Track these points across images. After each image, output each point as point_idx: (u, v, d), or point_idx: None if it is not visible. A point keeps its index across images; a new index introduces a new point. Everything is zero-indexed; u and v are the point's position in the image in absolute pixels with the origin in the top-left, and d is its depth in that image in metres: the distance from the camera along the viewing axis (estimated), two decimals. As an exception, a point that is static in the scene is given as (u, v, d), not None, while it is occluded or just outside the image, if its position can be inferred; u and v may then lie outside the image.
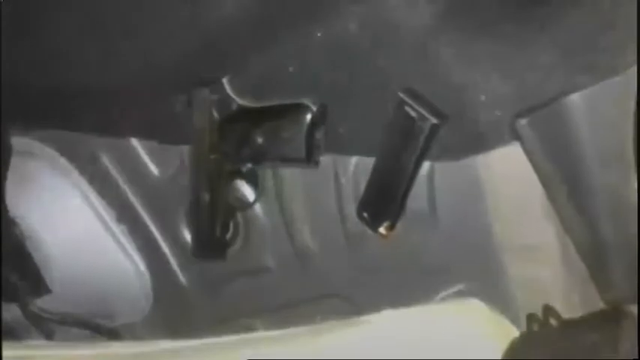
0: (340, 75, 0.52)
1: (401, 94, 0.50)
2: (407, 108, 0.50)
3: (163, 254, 0.70)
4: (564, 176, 0.46)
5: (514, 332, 0.44)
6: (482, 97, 0.48)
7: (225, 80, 0.56)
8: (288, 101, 0.54)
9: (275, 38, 0.52)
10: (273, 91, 0.55)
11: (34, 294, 0.74)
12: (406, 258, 0.57)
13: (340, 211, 0.59)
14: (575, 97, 0.45)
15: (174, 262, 0.70)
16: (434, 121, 0.49)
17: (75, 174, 0.71)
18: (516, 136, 0.47)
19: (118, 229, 0.72)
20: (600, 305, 0.48)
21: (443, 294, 0.56)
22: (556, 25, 0.45)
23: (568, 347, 0.40)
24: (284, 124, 0.55)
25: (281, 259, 0.64)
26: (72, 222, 0.73)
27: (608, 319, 0.43)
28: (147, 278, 0.71)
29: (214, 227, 0.62)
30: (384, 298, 0.58)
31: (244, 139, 0.57)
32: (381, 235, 0.54)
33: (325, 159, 0.56)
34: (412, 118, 0.50)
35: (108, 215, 0.71)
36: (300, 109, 0.54)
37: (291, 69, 0.53)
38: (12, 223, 0.74)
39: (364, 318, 0.45)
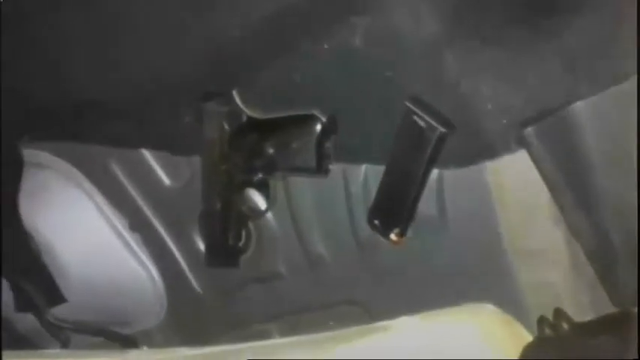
0: (348, 85, 0.53)
1: (409, 104, 0.50)
2: (415, 117, 0.50)
3: (177, 262, 0.71)
4: (571, 183, 0.47)
5: (528, 336, 0.44)
6: (489, 106, 0.49)
7: (234, 92, 0.57)
8: (297, 112, 0.55)
9: (283, 51, 0.53)
10: (282, 103, 0.56)
11: (49, 303, 0.76)
12: (417, 263, 0.58)
13: (351, 218, 0.60)
14: (580, 105, 0.46)
15: (187, 270, 0.71)
16: (442, 129, 0.50)
17: (87, 184, 0.73)
18: (523, 144, 0.48)
19: (132, 238, 0.73)
20: (610, 307, 0.48)
21: (452, 297, 0.57)
22: (561, 35, 0.46)
23: (580, 350, 0.41)
24: (294, 135, 0.56)
25: (293, 265, 0.65)
26: (85, 231, 0.74)
27: (620, 321, 0.44)
28: (161, 286, 0.73)
29: (227, 236, 0.63)
30: (396, 303, 0.58)
31: (255, 149, 0.58)
32: (392, 241, 0.54)
33: (335, 168, 0.57)
34: (420, 127, 0.50)
35: (121, 224, 0.73)
36: (310, 119, 0.55)
37: (299, 80, 0.54)
38: (26, 234, 0.76)
39: (381, 324, 0.46)
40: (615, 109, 0.45)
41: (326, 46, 0.51)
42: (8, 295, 0.77)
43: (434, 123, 0.50)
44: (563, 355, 0.42)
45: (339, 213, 0.60)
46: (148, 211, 0.70)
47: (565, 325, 0.46)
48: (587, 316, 0.50)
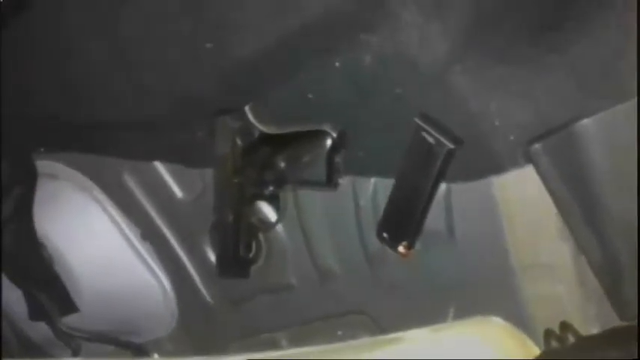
0: (358, 102, 0.54)
1: (417, 121, 0.51)
2: (424, 134, 0.51)
3: (188, 272, 0.72)
4: (578, 200, 0.48)
5: (535, 349, 0.45)
6: (497, 122, 0.49)
7: (247, 108, 0.58)
8: (308, 127, 0.56)
9: (295, 69, 0.54)
10: (294, 118, 0.57)
11: (61, 312, 0.77)
12: (425, 276, 0.58)
13: (360, 231, 0.60)
14: (588, 122, 0.46)
15: (198, 280, 0.72)
16: (450, 146, 0.50)
17: (101, 195, 0.74)
18: (531, 160, 0.49)
19: (144, 248, 0.74)
20: (617, 320, 0.49)
21: (459, 310, 0.57)
22: (570, 52, 0.47)
23: (587, 364, 0.42)
24: (305, 149, 0.57)
25: (302, 276, 0.65)
26: (98, 241, 0.75)
27: (626, 335, 0.44)
28: (172, 296, 0.74)
29: (238, 247, 0.64)
30: (404, 315, 0.59)
31: (267, 164, 0.59)
32: (400, 253, 0.55)
33: (344, 181, 0.58)
34: (429, 143, 0.51)
35: (133, 234, 0.74)
36: (320, 134, 0.56)
37: (310, 96, 0.55)
38: (39, 243, 0.77)
39: (390, 336, 0.47)
40: (623, 125, 0.46)
41: (337, 64, 0.52)
42: (22, 304, 0.78)
43: (442, 139, 0.50)
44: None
45: (348, 226, 0.61)
46: (160, 222, 0.71)
47: (571, 338, 0.47)
48: (593, 330, 0.51)
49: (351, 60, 0.51)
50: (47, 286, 0.77)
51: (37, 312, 0.78)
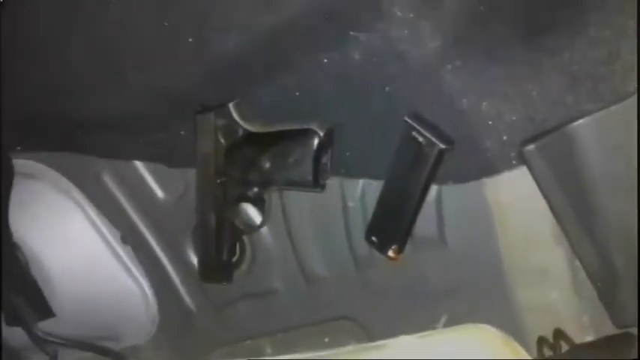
0: (347, 100, 0.52)
1: (408, 120, 0.50)
2: (414, 133, 0.50)
3: (169, 277, 0.70)
4: (573, 203, 0.47)
5: (527, 357, 0.44)
6: (490, 122, 0.48)
7: (231, 105, 0.56)
8: (294, 126, 0.55)
9: (281, 64, 0.52)
10: (279, 116, 0.55)
11: (37, 317, 0.74)
12: (414, 280, 0.57)
13: (348, 234, 0.59)
14: (582, 123, 0.45)
15: (180, 285, 0.70)
16: (441, 146, 0.49)
17: (78, 195, 0.71)
18: (524, 162, 0.48)
19: (123, 251, 0.72)
20: (611, 327, 0.48)
21: (450, 316, 0.56)
22: (563, 53, 0.46)
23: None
24: (291, 149, 0.55)
25: (288, 281, 0.64)
26: (76, 244, 0.73)
27: (620, 343, 0.43)
28: (153, 301, 0.72)
29: (221, 250, 0.62)
30: (392, 321, 0.58)
31: (251, 163, 0.57)
32: (389, 258, 0.54)
33: (332, 182, 0.57)
34: (419, 143, 0.50)
35: (112, 236, 0.71)
36: (307, 133, 0.54)
37: (297, 94, 0.53)
38: (15, 245, 0.74)
39: (378, 343, 0.45)
40: (618, 127, 0.45)
41: (325, 60, 0.50)
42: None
43: (433, 139, 0.49)
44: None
45: (335, 228, 0.59)
46: (141, 224, 0.69)
47: (565, 347, 0.46)
48: (587, 338, 0.50)
49: (340, 57, 0.50)
50: (23, 290, 0.74)
51: (12, 317, 0.75)
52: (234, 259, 0.64)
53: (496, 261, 0.52)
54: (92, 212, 0.71)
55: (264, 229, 0.62)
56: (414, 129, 0.50)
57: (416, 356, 0.42)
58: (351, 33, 0.48)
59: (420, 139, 0.50)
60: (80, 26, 0.56)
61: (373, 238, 0.55)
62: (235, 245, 0.63)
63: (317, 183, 0.55)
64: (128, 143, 0.65)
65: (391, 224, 0.53)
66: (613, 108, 0.45)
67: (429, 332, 0.46)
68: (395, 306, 0.58)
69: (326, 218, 0.59)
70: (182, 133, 0.60)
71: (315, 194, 0.57)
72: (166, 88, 0.57)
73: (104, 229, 0.71)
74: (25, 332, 0.76)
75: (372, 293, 0.60)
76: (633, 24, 0.45)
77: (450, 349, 0.44)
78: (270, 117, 0.56)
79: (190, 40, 0.52)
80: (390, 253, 0.53)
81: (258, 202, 0.60)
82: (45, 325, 0.74)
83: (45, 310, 0.74)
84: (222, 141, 0.58)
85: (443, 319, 0.55)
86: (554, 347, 0.47)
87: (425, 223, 0.53)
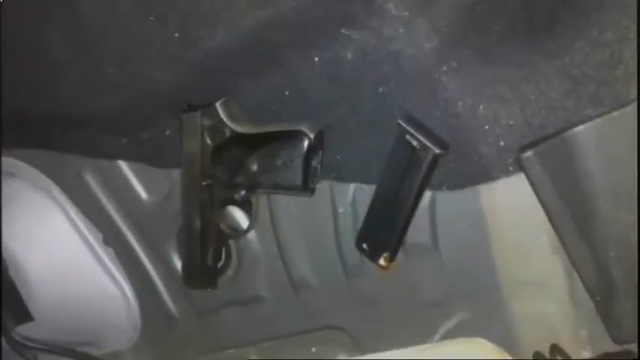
0: (338, 100, 0.51)
1: (401, 123, 0.48)
2: (408, 137, 0.48)
3: (152, 281, 0.67)
4: (572, 211, 0.45)
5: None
6: (486, 127, 0.47)
7: (218, 104, 0.54)
8: (284, 127, 0.53)
9: (271, 63, 0.50)
10: (268, 117, 0.53)
11: (16, 322, 0.72)
12: (406, 290, 0.55)
13: (338, 240, 0.57)
14: (582, 130, 0.44)
15: (163, 290, 0.67)
16: (436, 150, 0.47)
17: (59, 195, 0.69)
18: (522, 168, 0.46)
19: (105, 253, 0.69)
20: (610, 342, 0.46)
21: (443, 328, 0.54)
22: (563, 57, 0.44)
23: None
24: (280, 151, 0.53)
25: (275, 289, 0.62)
26: (56, 246, 0.70)
27: (618, 360, 0.42)
28: (135, 306, 0.69)
29: (206, 255, 0.60)
30: (382, 331, 0.56)
31: (238, 165, 0.55)
32: (380, 266, 0.52)
33: (322, 187, 0.55)
34: (413, 147, 0.48)
35: (94, 238, 0.69)
36: (297, 135, 0.52)
37: (287, 93, 0.52)
38: (-8, 246, 0.72)
39: (371, 357, 0.43)
40: (619, 134, 0.43)
41: (316, 59, 0.49)
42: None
43: (427, 143, 0.48)
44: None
45: (325, 234, 0.57)
46: (123, 226, 0.67)
47: (562, 362, 0.44)
48: (585, 353, 0.48)
49: (331, 55, 0.48)
50: (0, 292, 0.72)
51: (-12, 320, 0.73)
52: (220, 264, 0.61)
53: (491, 271, 0.50)
54: (73, 212, 0.68)
55: (251, 234, 0.60)
56: (408, 132, 0.48)
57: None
58: (344, 31, 0.47)
59: (414, 143, 0.48)
60: (61, 18, 0.54)
61: (364, 246, 0.53)
62: (221, 250, 0.61)
63: (306, 187, 0.53)
64: (111, 142, 0.62)
65: (383, 231, 0.51)
66: (614, 114, 0.43)
67: (425, 346, 0.45)
68: (385, 316, 0.57)
69: (315, 224, 0.57)
70: (167, 132, 0.58)
71: (305, 199, 0.55)
72: (150, 85, 0.54)
73: (85, 230, 0.68)
74: (3, 337, 0.74)
75: (362, 302, 0.58)
76: (635, 27, 0.44)
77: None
78: (258, 117, 0.54)
79: (176, 35, 0.50)
80: (381, 262, 0.52)
81: (245, 206, 0.58)
82: (23, 330, 0.72)
83: (23, 314, 0.71)
84: (209, 141, 0.56)
85: (439, 333, 0.53)
86: (550, 363, 0.46)
87: (418, 230, 0.52)
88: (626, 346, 0.45)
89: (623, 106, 0.43)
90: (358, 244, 0.53)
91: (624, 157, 0.43)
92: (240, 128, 0.54)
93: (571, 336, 0.49)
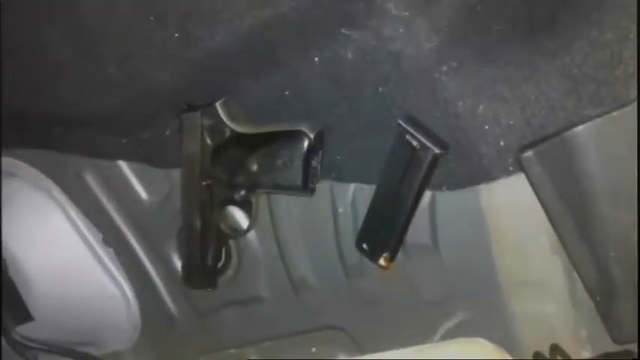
0: (338, 100, 0.51)
1: (401, 123, 0.48)
2: (408, 137, 0.48)
3: (152, 281, 0.67)
4: (572, 211, 0.45)
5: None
6: (486, 127, 0.47)
7: (218, 104, 0.54)
8: (284, 127, 0.53)
9: (270, 63, 0.50)
10: (268, 117, 0.53)
11: (16, 322, 0.72)
12: (406, 290, 0.55)
13: (338, 240, 0.57)
14: (582, 130, 0.43)
15: (163, 290, 0.67)
16: (435, 151, 0.47)
17: (59, 195, 0.69)
18: (522, 168, 0.46)
19: (105, 253, 0.69)
20: (610, 342, 0.46)
21: (443, 328, 0.54)
22: (563, 56, 0.44)
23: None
24: (280, 151, 0.53)
25: (275, 289, 0.61)
26: (56, 246, 0.70)
27: (619, 361, 0.42)
28: (135, 305, 0.69)
29: (205, 255, 0.60)
30: (382, 331, 0.56)
31: (238, 165, 0.55)
32: (380, 266, 0.52)
33: (322, 187, 0.54)
34: (413, 147, 0.48)
35: (94, 238, 0.69)
36: (297, 135, 0.52)
37: (287, 94, 0.51)
38: (-7, 247, 0.72)
39: (372, 357, 0.43)
40: (620, 134, 0.43)
41: (316, 59, 0.49)
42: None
43: (427, 143, 0.47)
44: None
45: (325, 234, 0.57)
46: (123, 226, 0.67)
47: (562, 362, 0.44)
48: (585, 353, 0.48)
49: (331, 55, 0.48)
50: (0, 292, 0.72)
51: (-12, 321, 0.73)
52: (220, 264, 0.61)
53: (491, 271, 0.50)
54: (73, 212, 0.68)
55: (251, 234, 0.60)
56: (408, 132, 0.48)
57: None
58: (344, 31, 0.46)
59: (414, 143, 0.48)
60: (60, 17, 0.54)
61: (364, 246, 0.53)
62: (221, 250, 0.61)
63: (306, 187, 0.53)
64: (111, 142, 0.62)
65: (383, 231, 0.51)
66: (614, 114, 0.43)
67: (425, 346, 0.45)
68: (385, 316, 0.56)
69: (315, 224, 0.57)
70: (167, 132, 0.58)
71: (305, 199, 0.55)
72: (150, 85, 0.54)
73: (85, 230, 0.68)
74: (3, 337, 0.74)
75: (362, 302, 0.58)
76: (635, 27, 0.44)
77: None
78: (258, 117, 0.54)
79: (176, 35, 0.50)
80: (381, 262, 0.52)
81: (245, 206, 0.58)
82: (23, 330, 0.72)
83: (23, 314, 0.71)
84: (209, 141, 0.56)
85: (439, 333, 0.53)
86: (550, 363, 0.45)
87: (418, 230, 0.51)
88: (626, 346, 0.45)
89: (623, 106, 0.43)
90: (358, 244, 0.53)
91: (624, 157, 0.43)
92: (240, 128, 0.54)
93: (571, 336, 0.49)
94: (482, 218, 0.50)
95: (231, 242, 0.61)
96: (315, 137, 0.52)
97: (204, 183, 0.57)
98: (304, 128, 0.52)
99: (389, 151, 0.49)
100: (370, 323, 0.58)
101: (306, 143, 0.52)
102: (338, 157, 0.53)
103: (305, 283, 0.60)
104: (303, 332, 0.61)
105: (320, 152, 0.53)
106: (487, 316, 0.51)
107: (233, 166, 0.56)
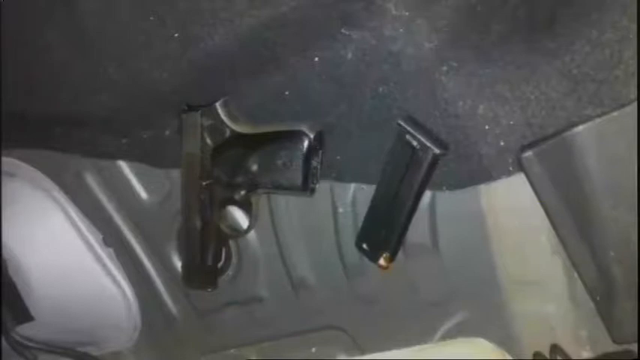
0: (338, 100, 0.51)
1: (401, 123, 0.48)
2: (407, 137, 0.48)
3: (152, 281, 0.67)
4: (572, 211, 0.45)
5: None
6: (486, 127, 0.47)
7: (218, 104, 0.54)
8: (284, 128, 0.53)
9: (270, 64, 0.50)
10: (268, 117, 0.53)
11: (16, 321, 0.72)
12: (406, 290, 0.55)
13: (338, 240, 0.57)
14: (582, 130, 0.43)
15: (163, 290, 0.67)
16: (435, 151, 0.47)
17: (59, 195, 0.69)
18: (522, 168, 0.46)
19: (105, 254, 0.69)
20: (610, 343, 0.46)
21: (443, 328, 0.54)
22: (563, 57, 0.44)
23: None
24: (280, 151, 0.53)
25: (275, 289, 0.61)
26: (56, 246, 0.70)
27: (619, 361, 0.42)
28: (135, 305, 0.69)
29: (205, 255, 0.60)
30: (382, 331, 0.56)
31: (238, 165, 0.55)
32: (380, 266, 0.52)
33: (322, 187, 0.54)
34: (413, 147, 0.48)
35: (94, 238, 0.69)
36: (297, 135, 0.52)
37: (287, 94, 0.51)
38: (-7, 247, 0.72)
39: (371, 357, 0.43)
40: (620, 134, 0.43)
41: (316, 59, 0.49)
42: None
43: (427, 143, 0.48)
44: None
45: (325, 234, 0.57)
46: (123, 226, 0.67)
47: (562, 362, 0.44)
48: (585, 352, 0.48)
49: (331, 55, 0.48)
50: (0, 292, 0.72)
51: (-11, 321, 0.73)
52: (220, 264, 0.61)
53: (491, 271, 0.50)
54: (73, 213, 0.68)
55: (251, 234, 0.60)
56: (408, 132, 0.48)
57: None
58: (344, 31, 0.46)
59: (414, 143, 0.48)
60: (59, 17, 0.54)
61: (364, 246, 0.53)
62: (221, 250, 0.61)
63: (306, 187, 0.53)
64: (111, 142, 0.62)
65: (383, 231, 0.51)
66: (614, 114, 0.43)
67: (424, 347, 0.45)
68: (386, 316, 0.56)
69: (315, 224, 0.57)
70: (167, 132, 0.58)
71: (305, 199, 0.55)
72: (150, 85, 0.54)
73: (85, 231, 0.68)
74: (3, 336, 0.74)
75: (362, 302, 0.58)
76: (635, 27, 0.44)
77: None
78: (258, 117, 0.54)
79: (176, 35, 0.50)
80: (381, 262, 0.52)
81: (245, 206, 0.57)
82: (23, 330, 0.72)
83: (24, 314, 0.71)
84: (209, 142, 0.56)
85: (439, 333, 0.53)
86: (550, 363, 0.46)
87: (417, 230, 0.51)
88: (626, 346, 0.45)
89: (623, 106, 0.43)
90: (358, 244, 0.53)
91: (624, 157, 0.43)
92: (240, 128, 0.54)
93: (571, 336, 0.49)
94: (482, 218, 0.50)
95: (231, 242, 0.61)
96: (315, 137, 0.52)
97: (204, 183, 0.57)
98: (304, 128, 0.52)
99: (389, 151, 0.49)
100: (370, 323, 0.58)
101: (306, 143, 0.52)
102: (338, 157, 0.53)
103: (305, 283, 0.60)
104: (303, 332, 0.61)
105: (320, 152, 0.53)
106: (487, 316, 0.51)
107: (233, 166, 0.55)
